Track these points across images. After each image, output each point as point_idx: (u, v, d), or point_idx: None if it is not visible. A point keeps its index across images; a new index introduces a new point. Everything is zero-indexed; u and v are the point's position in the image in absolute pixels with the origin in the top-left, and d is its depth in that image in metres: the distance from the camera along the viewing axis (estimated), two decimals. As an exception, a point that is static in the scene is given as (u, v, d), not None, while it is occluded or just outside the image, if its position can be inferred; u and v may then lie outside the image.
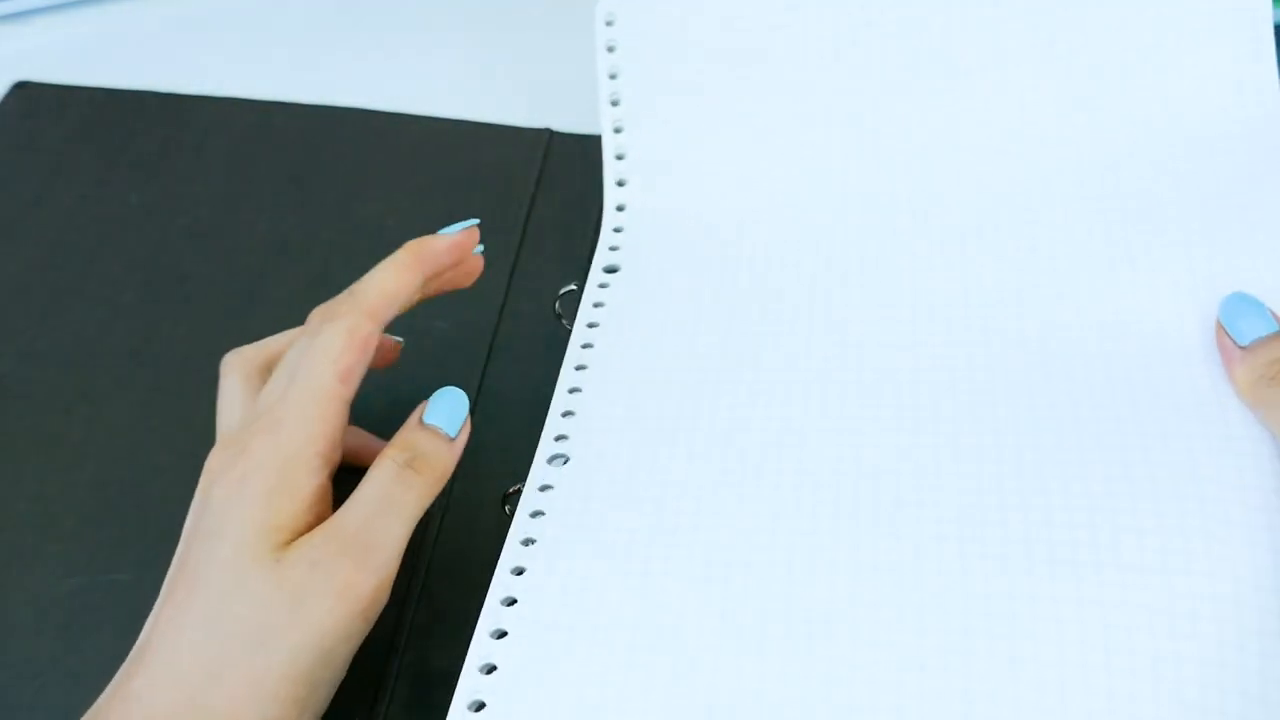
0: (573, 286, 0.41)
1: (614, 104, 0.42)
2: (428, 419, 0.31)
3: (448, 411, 0.32)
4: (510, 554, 0.31)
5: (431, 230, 0.44)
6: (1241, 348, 0.31)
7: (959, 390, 0.33)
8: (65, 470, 0.37)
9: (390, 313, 0.32)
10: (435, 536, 0.36)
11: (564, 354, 0.39)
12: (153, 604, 0.34)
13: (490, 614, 0.29)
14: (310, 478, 0.29)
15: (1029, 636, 0.27)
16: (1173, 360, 0.32)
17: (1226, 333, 0.32)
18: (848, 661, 0.27)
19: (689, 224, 0.40)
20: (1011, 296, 0.35)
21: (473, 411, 0.39)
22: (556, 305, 0.41)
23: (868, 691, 0.27)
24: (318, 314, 0.32)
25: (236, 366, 0.33)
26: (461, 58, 0.54)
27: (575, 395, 0.35)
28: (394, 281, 0.32)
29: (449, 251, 0.34)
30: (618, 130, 0.41)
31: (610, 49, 0.42)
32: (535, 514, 0.32)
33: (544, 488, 0.32)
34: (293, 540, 0.28)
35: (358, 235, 0.44)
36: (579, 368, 0.36)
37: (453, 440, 0.31)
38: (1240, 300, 0.32)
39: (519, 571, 0.30)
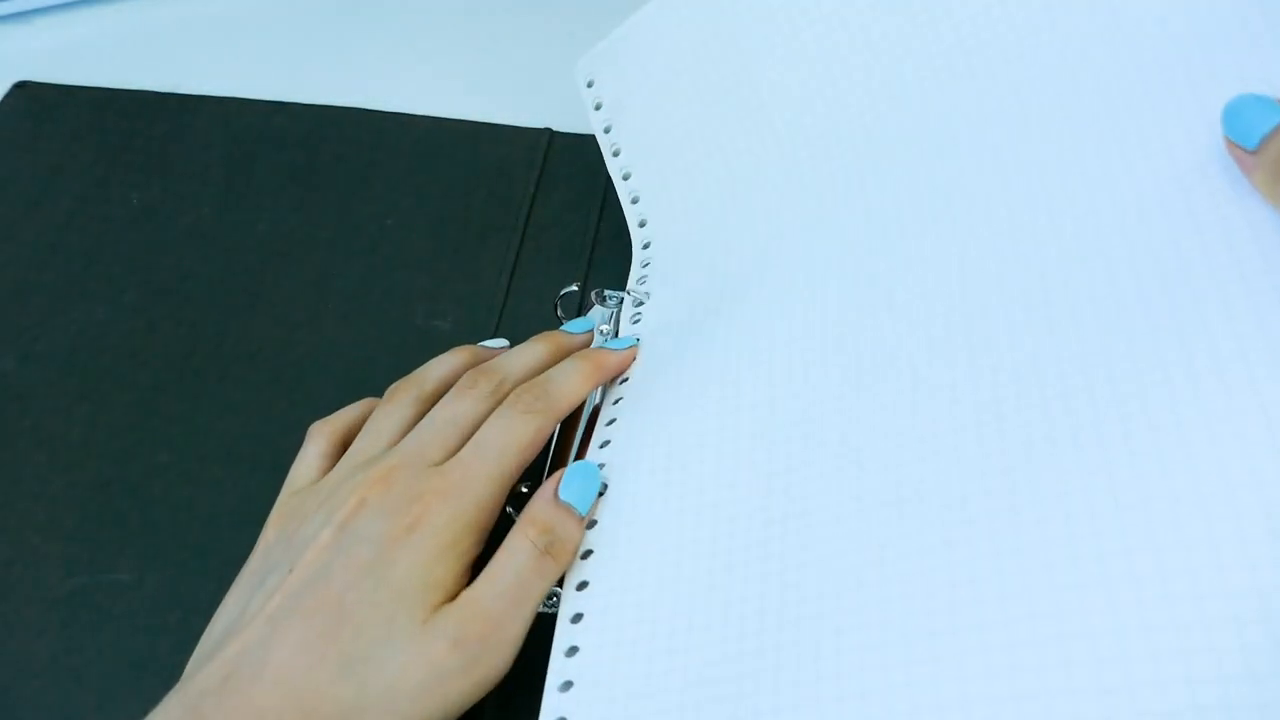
0: (574, 287, 0.41)
1: (615, 154, 0.43)
2: (563, 495, 0.32)
3: (582, 489, 0.32)
4: (563, 634, 0.31)
5: (431, 233, 0.45)
6: (1253, 152, 0.28)
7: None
8: (66, 470, 0.37)
9: (567, 414, 0.35)
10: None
11: None
12: (153, 602, 0.34)
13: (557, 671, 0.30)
14: (475, 546, 0.31)
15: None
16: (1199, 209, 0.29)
17: (1234, 143, 0.28)
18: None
19: (712, 249, 0.40)
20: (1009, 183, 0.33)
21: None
22: (558, 307, 0.41)
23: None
24: (514, 400, 0.33)
25: (321, 434, 0.35)
26: (462, 57, 0.54)
27: (605, 449, 0.35)
28: (581, 391, 0.35)
29: (619, 366, 0.37)
30: (626, 177, 0.42)
31: (597, 107, 0.43)
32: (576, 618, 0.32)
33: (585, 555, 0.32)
34: (444, 602, 0.29)
35: (358, 235, 0.44)
36: (609, 422, 0.36)
37: (582, 519, 0.32)
38: (1240, 102, 0.29)
39: (577, 618, 0.31)
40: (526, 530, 0.31)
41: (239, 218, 0.45)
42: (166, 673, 0.33)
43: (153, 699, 0.32)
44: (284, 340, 0.41)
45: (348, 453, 0.34)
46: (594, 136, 0.48)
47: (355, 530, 0.30)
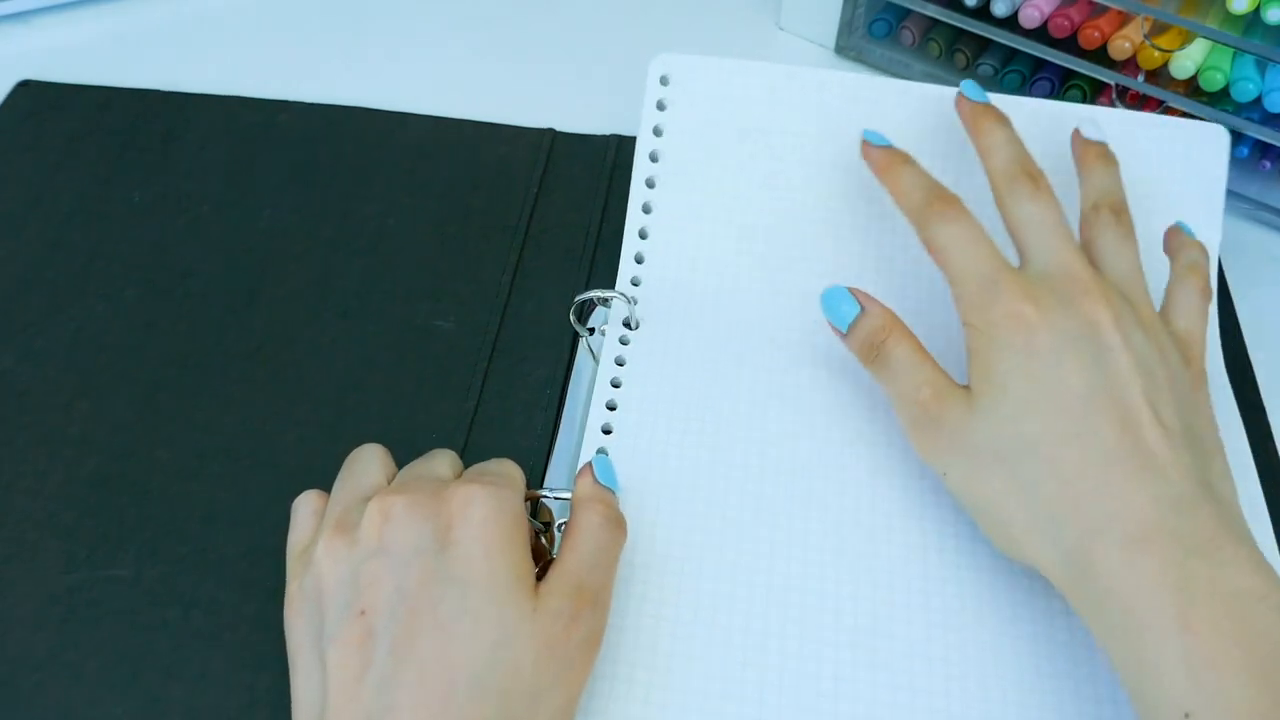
0: (590, 295, 0.40)
1: (653, 159, 0.44)
2: (601, 478, 0.34)
3: (609, 473, 0.34)
4: None
5: (433, 232, 0.44)
6: (845, 333, 0.36)
7: None
8: (66, 466, 0.37)
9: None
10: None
11: (568, 359, 0.41)
12: (151, 598, 0.34)
13: None
14: (527, 531, 0.31)
15: None
16: None
17: (832, 324, 0.36)
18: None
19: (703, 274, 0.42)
20: None
21: (475, 412, 0.39)
22: (571, 313, 0.41)
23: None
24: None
25: (308, 497, 0.34)
26: (464, 57, 0.54)
27: (609, 436, 0.37)
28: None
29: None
30: (650, 184, 0.43)
31: (660, 105, 0.44)
32: None
33: None
34: (533, 584, 0.29)
35: (359, 234, 0.44)
36: (610, 406, 0.38)
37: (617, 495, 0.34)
38: (829, 293, 0.36)
39: None
40: (591, 506, 0.32)
41: (240, 216, 0.45)
42: (164, 669, 0.32)
43: (151, 696, 0.32)
44: (284, 339, 0.41)
45: (330, 502, 0.32)
46: (597, 137, 0.48)
47: (395, 547, 0.28)
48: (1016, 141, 0.38)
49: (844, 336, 0.36)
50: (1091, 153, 0.38)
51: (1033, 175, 0.36)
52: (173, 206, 0.45)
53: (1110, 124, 0.42)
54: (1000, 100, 0.40)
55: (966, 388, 0.33)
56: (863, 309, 0.36)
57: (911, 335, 0.35)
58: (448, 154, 0.47)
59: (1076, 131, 0.39)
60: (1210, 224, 0.41)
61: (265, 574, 0.34)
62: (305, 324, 0.41)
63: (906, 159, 0.39)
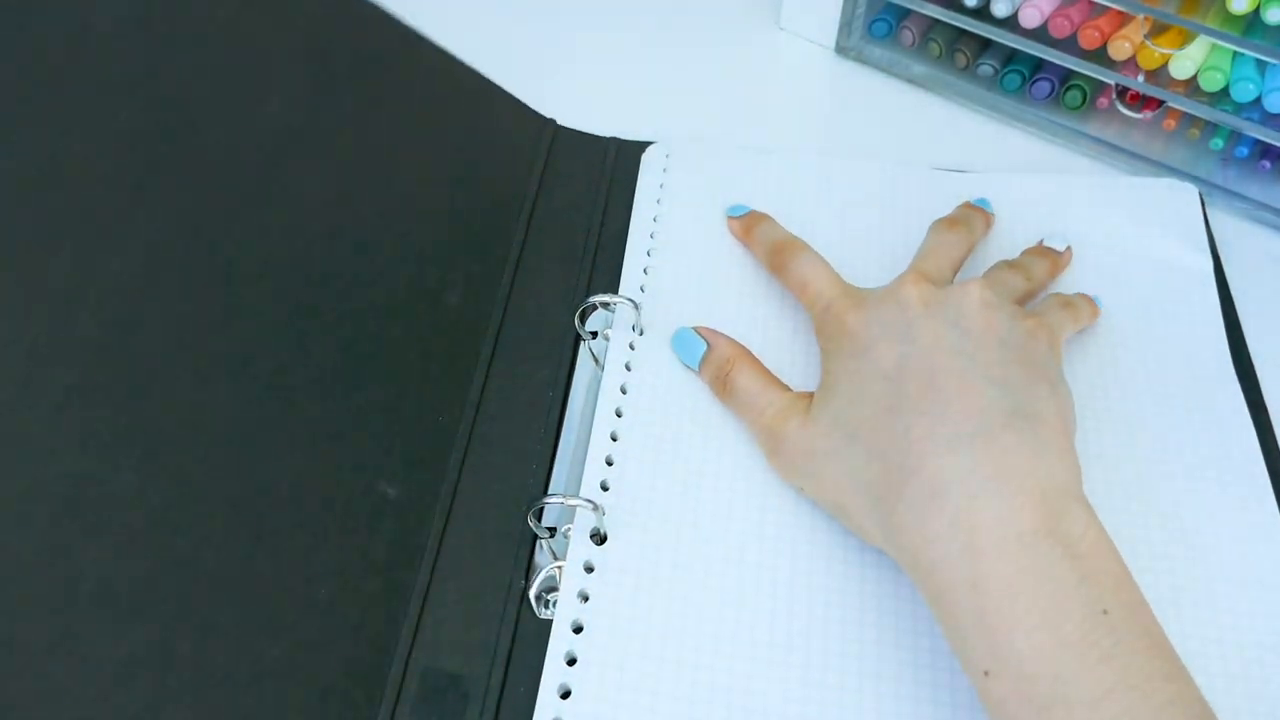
0: (596, 299, 0.40)
1: (652, 224, 0.44)
2: None
3: None
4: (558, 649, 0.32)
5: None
6: (698, 370, 0.38)
7: None
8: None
9: None
10: (440, 534, 0.35)
11: (570, 361, 0.40)
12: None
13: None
14: None
15: None
16: None
17: (684, 363, 0.39)
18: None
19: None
20: None
21: (476, 412, 0.39)
22: (577, 318, 0.40)
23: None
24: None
25: None
26: (465, 57, 0.54)
27: (611, 467, 0.36)
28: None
29: None
30: (649, 253, 0.43)
31: (663, 170, 0.46)
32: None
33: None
34: None
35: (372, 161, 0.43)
36: (613, 437, 0.37)
37: None
38: (680, 333, 0.39)
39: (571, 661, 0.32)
40: None
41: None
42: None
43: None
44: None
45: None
46: (596, 138, 0.48)
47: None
48: (968, 208, 0.43)
49: (699, 374, 0.38)
50: (1037, 248, 0.42)
51: (956, 221, 0.41)
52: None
53: (1091, 189, 0.46)
54: (986, 180, 0.46)
55: (810, 398, 0.35)
56: (709, 345, 0.38)
57: (756, 363, 0.37)
58: (453, 106, 0.46)
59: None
60: (1199, 261, 0.44)
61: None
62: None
63: (762, 219, 0.42)
